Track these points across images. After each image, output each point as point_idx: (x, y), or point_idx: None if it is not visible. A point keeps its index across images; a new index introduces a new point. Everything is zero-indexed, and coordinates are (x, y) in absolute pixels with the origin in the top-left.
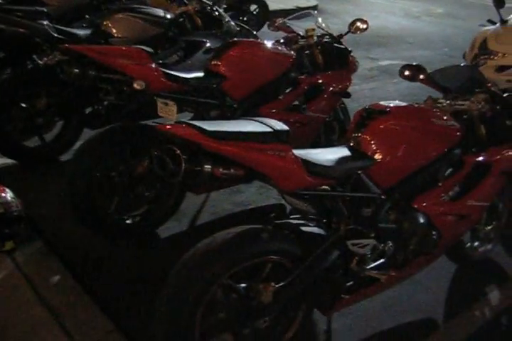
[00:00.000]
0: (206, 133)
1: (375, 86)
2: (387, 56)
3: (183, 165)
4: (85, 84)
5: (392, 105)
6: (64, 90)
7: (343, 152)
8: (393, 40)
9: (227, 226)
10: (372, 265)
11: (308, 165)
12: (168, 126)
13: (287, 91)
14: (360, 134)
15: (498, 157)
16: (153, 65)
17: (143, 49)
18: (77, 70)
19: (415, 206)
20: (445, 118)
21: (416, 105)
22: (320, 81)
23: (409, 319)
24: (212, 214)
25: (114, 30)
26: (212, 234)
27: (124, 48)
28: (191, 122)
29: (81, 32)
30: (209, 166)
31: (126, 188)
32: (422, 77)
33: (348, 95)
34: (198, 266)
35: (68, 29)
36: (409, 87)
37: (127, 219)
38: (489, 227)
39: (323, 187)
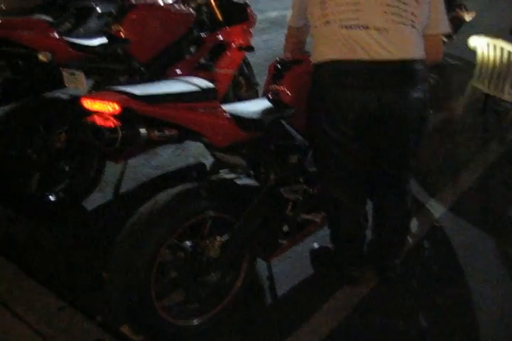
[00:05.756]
0: (137, 98)
1: (268, 38)
2: (275, 7)
3: (120, 132)
4: None
5: (302, 54)
6: None
7: (264, 104)
8: None
9: (151, 190)
10: (305, 208)
11: (238, 120)
12: (96, 96)
13: (192, 50)
14: (277, 85)
15: None
16: (56, 35)
17: (43, 19)
18: None
19: None
20: None
21: None
22: (223, 37)
23: None
24: (135, 180)
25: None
26: (137, 200)
27: (23, 20)
28: (117, 88)
29: None
30: (144, 130)
31: (45, 164)
32: None
33: (251, 49)
34: (145, 231)
35: None
36: None
37: (50, 196)
38: None
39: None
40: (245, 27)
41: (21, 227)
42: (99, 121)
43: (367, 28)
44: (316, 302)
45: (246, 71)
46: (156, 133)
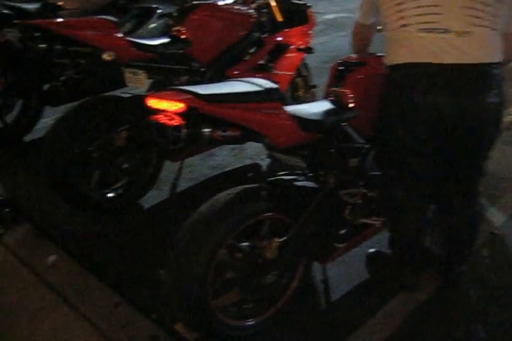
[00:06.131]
0: (202, 97)
1: (325, 40)
2: (332, 9)
3: (184, 131)
4: (42, 61)
5: (364, 56)
6: (19, 69)
7: (326, 106)
8: None
9: (208, 190)
10: (364, 212)
11: (300, 121)
12: (161, 95)
13: (252, 51)
14: (339, 87)
15: None
16: (121, 35)
17: (108, 19)
18: (43, 46)
19: None
20: None
21: None
22: (282, 39)
23: None
24: (192, 180)
25: (63, 3)
26: (194, 199)
27: (90, 20)
28: (182, 88)
29: (29, 6)
30: (208, 130)
31: (106, 162)
32: None
33: (310, 51)
34: (204, 230)
35: (17, 4)
36: None
37: (109, 193)
38: None
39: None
40: (305, 29)
41: (81, 223)
42: (163, 119)
43: (447, 31)
44: (370, 308)
45: (304, 73)
46: (219, 133)
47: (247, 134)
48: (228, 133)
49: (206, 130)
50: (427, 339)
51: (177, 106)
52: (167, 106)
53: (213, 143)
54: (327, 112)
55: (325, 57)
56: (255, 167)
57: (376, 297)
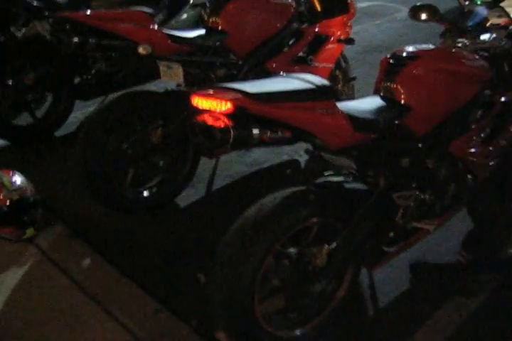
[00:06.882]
0: (251, 96)
1: (360, 29)
2: None
3: (232, 132)
4: (72, 54)
5: (418, 49)
6: (49, 62)
7: (377, 103)
8: None
9: (245, 188)
10: (416, 215)
11: (353, 120)
12: (207, 93)
13: (291, 43)
14: (391, 82)
15: None
16: (156, 27)
17: (144, 11)
18: (77, 39)
19: (451, 151)
20: (473, 58)
21: (441, 47)
22: (322, 30)
23: None
24: (228, 177)
25: None
26: (231, 198)
27: (125, 12)
28: (228, 85)
29: None
30: (257, 131)
31: (140, 159)
32: (436, 17)
33: (351, 42)
34: (251, 236)
35: None
36: (393, 28)
37: (144, 191)
38: None
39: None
40: (345, 19)
41: (116, 224)
42: (210, 120)
43: None
44: (421, 315)
45: (343, 65)
46: (269, 134)
47: (298, 135)
48: (278, 134)
49: (255, 131)
50: None
51: (225, 106)
52: (214, 106)
53: (262, 144)
54: (378, 109)
55: (360, 47)
56: (293, 164)
57: (426, 303)
